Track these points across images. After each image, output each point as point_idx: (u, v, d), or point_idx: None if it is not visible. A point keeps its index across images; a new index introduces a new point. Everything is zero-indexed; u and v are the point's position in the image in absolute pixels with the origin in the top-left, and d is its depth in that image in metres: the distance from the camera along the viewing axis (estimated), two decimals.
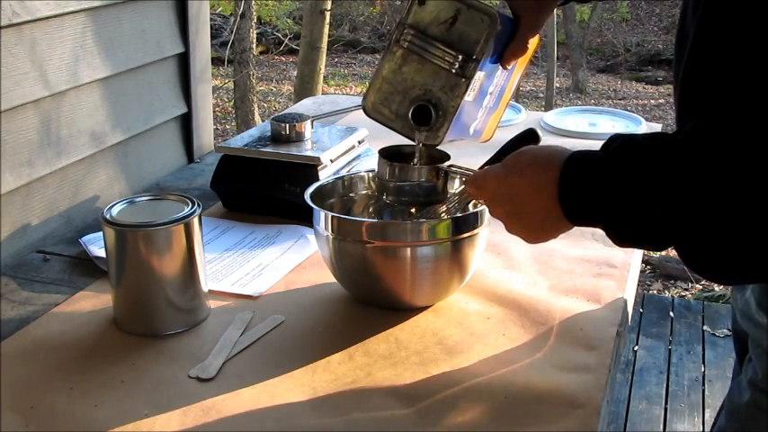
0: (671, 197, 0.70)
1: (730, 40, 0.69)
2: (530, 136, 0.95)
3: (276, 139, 1.32)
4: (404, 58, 0.94)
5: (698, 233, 0.70)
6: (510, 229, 0.87)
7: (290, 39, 8.56)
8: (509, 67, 0.99)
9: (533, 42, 0.98)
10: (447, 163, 0.98)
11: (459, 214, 1.00)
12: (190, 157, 1.62)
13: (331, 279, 1.04)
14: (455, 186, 1.05)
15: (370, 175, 1.11)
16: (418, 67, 0.93)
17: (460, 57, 0.91)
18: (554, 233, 0.84)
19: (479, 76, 0.93)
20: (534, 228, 0.84)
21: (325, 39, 6.38)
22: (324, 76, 6.99)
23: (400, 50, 0.94)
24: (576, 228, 1.22)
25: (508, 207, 0.85)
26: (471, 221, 0.97)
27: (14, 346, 0.93)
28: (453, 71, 0.92)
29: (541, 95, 8.06)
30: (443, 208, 1.00)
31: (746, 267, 0.72)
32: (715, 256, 0.72)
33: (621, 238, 0.77)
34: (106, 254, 0.96)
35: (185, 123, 1.60)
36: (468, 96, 0.93)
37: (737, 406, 0.94)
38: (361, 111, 0.99)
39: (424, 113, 0.94)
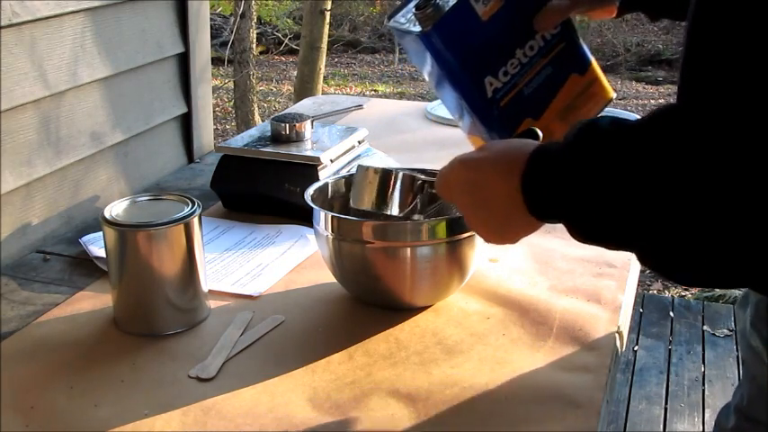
0: (629, 186, 0.64)
1: (714, 35, 0.65)
2: (529, 134, 0.94)
3: (276, 139, 1.32)
4: None
5: (658, 229, 0.63)
6: (471, 222, 0.80)
7: (290, 39, 8.56)
8: (542, 34, 0.95)
9: (599, 88, 1.00)
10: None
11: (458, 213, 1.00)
12: (190, 157, 1.62)
13: (331, 279, 1.04)
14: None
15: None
16: None
17: None
18: (517, 230, 0.77)
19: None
20: (498, 220, 0.77)
21: (326, 39, 6.39)
22: (324, 76, 6.99)
23: None
24: None
25: (470, 197, 0.78)
26: None
27: (14, 346, 0.93)
28: None
29: None
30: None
31: (708, 268, 0.64)
32: (676, 255, 0.64)
33: (582, 233, 0.70)
34: (106, 254, 0.96)
35: (185, 123, 1.60)
36: (478, 7, 0.90)
37: (724, 431, 0.94)
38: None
39: (426, 2, 0.92)
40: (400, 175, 0.92)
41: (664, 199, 0.62)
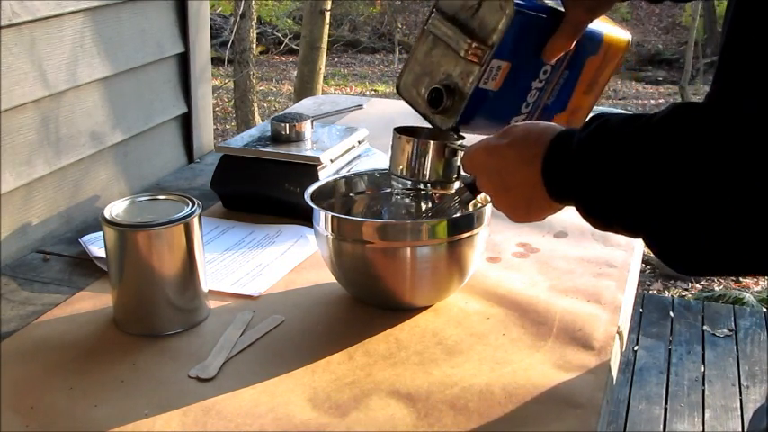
0: (638, 180, 0.70)
1: (750, 40, 0.66)
2: None
3: (276, 139, 1.32)
4: (434, 42, 0.95)
5: (665, 220, 0.69)
6: (497, 204, 0.87)
7: (290, 39, 8.57)
8: (552, 62, 0.95)
9: (616, 48, 0.98)
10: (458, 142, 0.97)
11: (458, 214, 1.00)
12: (190, 157, 1.62)
13: (331, 279, 1.04)
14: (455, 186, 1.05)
15: (373, 174, 1.11)
16: (444, 52, 0.94)
17: (474, 44, 0.91)
18: (539, 212, 0.84)
19: (502, 65, 0.92)
20: (520, 204, 0.84)
21: (326, 39, 6.39)
22: (324, 76, 6.99)
23: (431, 35, 0.95)
24: (576, 227, 1.23)
25: (496, 180, 0.85)
26: (471, 221, 0.97)
27: (14, 346, 0.93)
28: (468, 57, 0.91)
29: None
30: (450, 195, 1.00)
31: (712, 259, 0.70)
32: (681, 244, 0.70)
33: (595, 218, 0.76)
34: (106, 254, 0.96)
35: (185, 123, 1.60)
36: (488, 84, 0.92)
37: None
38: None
39: (438, 97, 0.94)
40: (431, 144, 0.96)
41: (670, 191, 0.68)
